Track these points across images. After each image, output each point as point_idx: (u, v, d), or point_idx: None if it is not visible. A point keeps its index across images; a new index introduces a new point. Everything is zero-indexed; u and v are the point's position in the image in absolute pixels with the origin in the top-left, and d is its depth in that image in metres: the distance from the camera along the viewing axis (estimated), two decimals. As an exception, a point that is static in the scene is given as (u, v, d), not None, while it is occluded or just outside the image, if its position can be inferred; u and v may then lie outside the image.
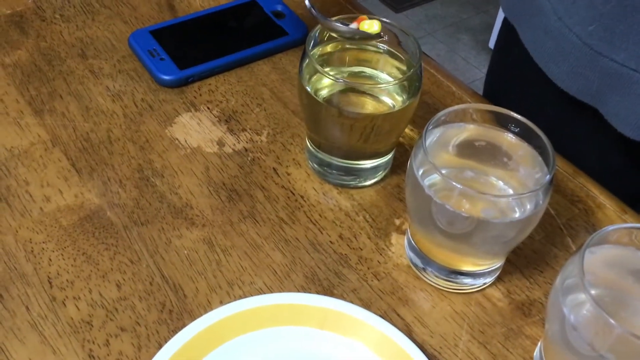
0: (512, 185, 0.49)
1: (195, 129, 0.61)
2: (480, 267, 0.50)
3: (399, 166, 0.59)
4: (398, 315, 0.50)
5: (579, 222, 0.57)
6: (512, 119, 0.49)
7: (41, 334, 0.47)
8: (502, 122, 0.49)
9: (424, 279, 0.52)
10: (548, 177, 0.45)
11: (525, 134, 0.49)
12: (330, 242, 0.54)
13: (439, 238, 0.48)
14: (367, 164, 0.57)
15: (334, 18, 0.54)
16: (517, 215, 0.46)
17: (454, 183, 0.44)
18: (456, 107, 0.49)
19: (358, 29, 0.53)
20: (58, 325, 0.48)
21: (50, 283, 0.50)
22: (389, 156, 0.58)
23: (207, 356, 0.46)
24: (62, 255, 0.52)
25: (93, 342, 0.47)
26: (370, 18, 0.54)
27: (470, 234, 0.46)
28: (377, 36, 0.54)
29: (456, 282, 0.51)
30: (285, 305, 0.49)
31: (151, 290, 0.50)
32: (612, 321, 0.38)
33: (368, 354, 0.47)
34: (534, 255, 0.54)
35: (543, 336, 0.47)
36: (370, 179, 0.58)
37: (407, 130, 0.62)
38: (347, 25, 0.54)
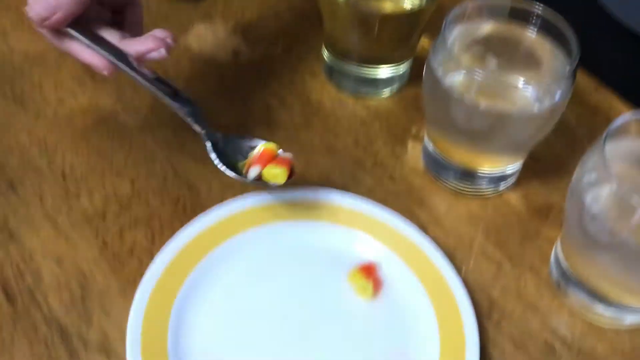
0: (532, 79, 0.48)
1: (210, 40, 0.60)
2: (498, 168, 0.49)
3: (414, 79, 0.58)
4: (413, 215, 0.49)
5: (600, 133, 0.55)
6: (535, 13, 0.47)
7: (55, 224, 0.47)
8: (524, 17, 0.48)
9: (441, 182, 0.51)
10: (569, 68, 0.44)
11: (548, 28, 0.47)
12: (346, 146, 0.54)
13: (458, 136, 0.48)
14: (383, 72, 0.56)
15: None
16: (536, 109, 0.45)
17: (474, 76, 0.43)
18: (476, 1, 0.47)
19: (260, 175, 0.45)
20: (72, 216, 0.48)
21: (64, 177, 0.50)
22: (406, 66, 0.57)
23: (220, 245, 0.45)
24: (76, 152, 0.51)
25: (107, 233, 0.47)
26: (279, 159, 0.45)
27: (489, 130, 0.45)
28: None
29: (473, 185, 0.50)
30: (299, 200, 0.48)
31: (165, 187, 0.50)
32: (635, 199, 0.37)
33: (381, 249, 0.46)
34: (553, 162, 0.53)
35: (561, 235, 0.46)
36: (386, 90, 0.57)
37: (424, 43, 0.61)
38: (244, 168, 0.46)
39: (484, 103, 0.44)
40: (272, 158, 0.45)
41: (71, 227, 0.47)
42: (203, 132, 0.45)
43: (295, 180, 0.51)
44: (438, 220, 0.49)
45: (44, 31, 0.44)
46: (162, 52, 0.44)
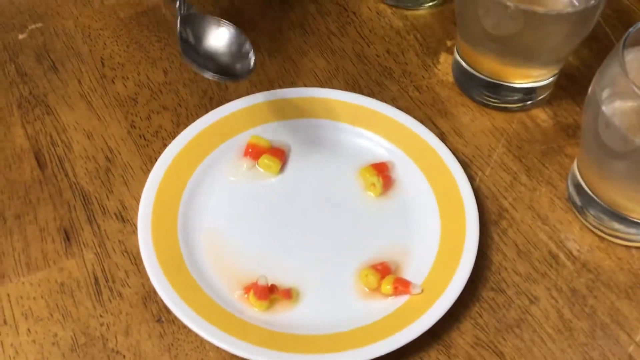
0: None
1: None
2: (528, 80, 0.48)
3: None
4: (434, 124, 0.49)
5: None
6: None
7: (89, 103, 0.50)
8: None
9: (468, 95, 0.51)
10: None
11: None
12: (377, 55, 0.54)
13: (486, 44, 0.47)
14: (425, -17, 0.55)
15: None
16: (569, 8, 0.44)
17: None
18: None
19: (257, 164, 0.46)
20: (105, 98, 0.50)
21: (102, 63, 0.52)
22: (449, -21, 0.56)
23: (239, 135, 0.47)
24: (117, 41, 0.54)
25: (136, 115, 0.49)
26: (273, 153, 0.45)
27: (517, 34, 0.44)
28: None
29: (501, 98, 0.49)
30: (322, 99, 0.49)
31: (195, 80, 0.52)
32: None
33: (396, 151, 0.46)
34: (587, 82, 0.51)
35: (579, 150, 0.45)
36: (427, 1, 0.56)
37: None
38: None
39: (512, 3, 0.43)
40: (264, 150, 0.46)
41: (104, 107, 0.50)
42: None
43: (321, 82, 0.52)
44: (459, 130, 0.49)
45: None
46: None
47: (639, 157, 0.38)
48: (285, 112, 0.48)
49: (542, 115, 0.50)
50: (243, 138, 0.47)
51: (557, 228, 0.44)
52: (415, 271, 0.41)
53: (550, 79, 0.49)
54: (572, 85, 0.51)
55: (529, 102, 0.50)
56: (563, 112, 0.50)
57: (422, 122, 0.48)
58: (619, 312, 0.40)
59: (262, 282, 0.39)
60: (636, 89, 0.36)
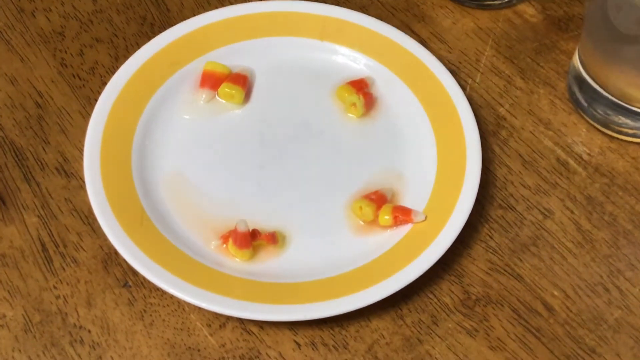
0: None
1: None
2: (511, -30, 0.43)
3: None
4: (412, 31, 0.44)
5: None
6: None
7: (8, 43, 0.42)
8: None
9: (445, -5, 0.45)
10: None
11: None
12: (337, -41, 0.47)
13: None
14: None
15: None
16: None
17: None
18: None
19: (217, 94, 0.40)
20: (27, 35, 0.43)
21: (17, -5, 0.45)
22: None
23: (194, 61, 0.40)
24: (31, -32, 0.46)
25: (65, 52, 0.42)
26: (233, 80, 0.39)
27: None
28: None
29: (482, -5, 0.44)
30: (280, 13, 0.42)
31: (130, 4, 0.44)
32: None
33: (374, 65, 0.41)
34: (576, -30, 0.46)
35: (580, 41, 0.40)
36: None
37: None
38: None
39: None
40: (223, 78, 0.40)
41: (27, 46, 0.42)
42: None
43: (279, -5, 0.45)
44: (440, 35, 0.43)
45: None
46: None
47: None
48: (241, 31, 0.42)
49: (529, 10, 0.45)
50: (196, 66, 0.40)
51: (562, 132, 0.39)
52: (415, 197, 0.36)
53: (537, -32, 0.44)
54: (558, -27, 0.46)
55: (514, -3, 0.45)
56: (552, 5, 0.45)
57: (398, 29, 0.43)
58: (642, 216, 0.37)
59: (241, 228, 0.34)
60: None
